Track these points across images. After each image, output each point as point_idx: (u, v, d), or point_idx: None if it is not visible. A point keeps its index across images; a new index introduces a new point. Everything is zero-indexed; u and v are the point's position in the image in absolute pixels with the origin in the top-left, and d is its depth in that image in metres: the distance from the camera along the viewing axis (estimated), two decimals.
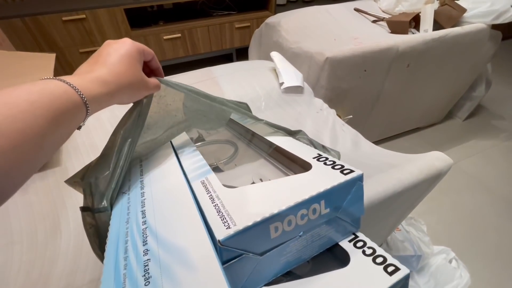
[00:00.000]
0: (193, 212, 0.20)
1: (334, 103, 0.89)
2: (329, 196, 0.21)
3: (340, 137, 0.59)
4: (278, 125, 0.37)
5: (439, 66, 0.98)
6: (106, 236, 0.20)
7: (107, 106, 0.24)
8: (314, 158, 0.25)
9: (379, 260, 0.20)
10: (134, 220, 0.20)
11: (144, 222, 0.20)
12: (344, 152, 0.54)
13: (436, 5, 0.97)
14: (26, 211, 0.43)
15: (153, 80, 0.29)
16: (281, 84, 0.71)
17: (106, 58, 0.25)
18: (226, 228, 0.17)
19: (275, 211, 0.18)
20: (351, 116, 0.90)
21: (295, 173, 0.29)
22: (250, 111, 0.42)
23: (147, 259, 0.17)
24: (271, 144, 0.36)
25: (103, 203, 0.22)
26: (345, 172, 0.22)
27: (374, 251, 0.21)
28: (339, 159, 0.28)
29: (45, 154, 0.19)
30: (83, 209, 0.23)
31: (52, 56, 0.67)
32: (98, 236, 0.23)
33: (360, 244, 0.23)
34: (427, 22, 0.96)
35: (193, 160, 0.30)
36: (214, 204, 0.20)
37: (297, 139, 0.34)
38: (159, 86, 0.30)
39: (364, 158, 0.51)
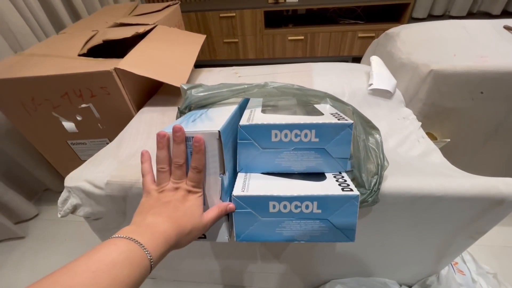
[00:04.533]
0: (230, 112, 0.33)
1: (431, 120, 0.82)
2: (319, 129, 0.29)
3: (408, 143, 0.59)
4: (362, 114, 0.44)
5: None
6: None
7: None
8: (331, 114, 0.33)
9: (343, 185, 0.27)
10: (199, 112, 0.36)
11: (205, 112, 0.35)
12: (404, 156, 0.55)
13: None
14: None
15: (209, 216, 0.29)
16: (370, 85, 0.74)
17: (173, 212, 0.27)
18: (247, 121, 0.30)
19: (277, 122, 0.29)
20: (448, 140, 0.81)
21: None
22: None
23: (197, 118, 0.31)
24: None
25: (186, 110, 0.39)
26: (339, 118, 0.30)
27: (344, 180, 0.28)
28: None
29: None
30: (178, 109, 0.41)
31: (203, 36, 0.96)
32: None
33: (339, 176, 0.30)
34: None
35: (254, 104, 0.43)
36: (250, 114, 0.33)
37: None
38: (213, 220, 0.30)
39: (420, 164, 0.50)
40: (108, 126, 0.80)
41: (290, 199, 0.27)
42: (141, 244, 0.23)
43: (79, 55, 0.80)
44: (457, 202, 0.41)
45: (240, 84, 0.38)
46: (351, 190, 0.26)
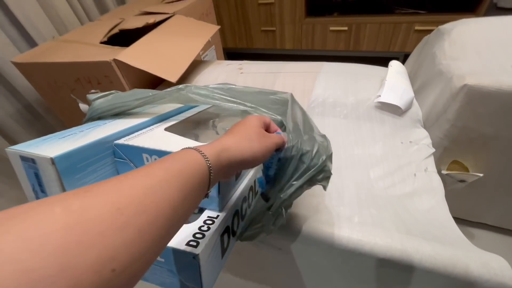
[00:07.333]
0: (124, 127, 0.32)
1: (462, 147, 0.66)
2: None
3: (397, 177, 0.48)
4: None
5: None
6: None
7: (220, 179, 0.23)
8: None
9: (193, 243, 0.23)
10: (92, 125, 0.34)
11: (99, 126, 0.33)
12: (377, 194, 0.45)
13: None
14: None
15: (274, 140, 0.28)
16: (377, 96, 0.62)
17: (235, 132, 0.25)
18: (125, 140, 0.28)
19: (147, 146, 0.26)
20: (480, 175, 0.64)
21: None
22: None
23: (78, 133, 0.31)
24: None
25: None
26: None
27: (207, 231, 0.24)
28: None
29: (174, 230, 0.18)
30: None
31: (216, 27, 0.93)
32: None
33: (209, 220, 0.26)
34: None
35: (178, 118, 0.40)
36: (147, 130, 0.31)
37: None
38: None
39: (393, 208, 0.41)
40: None
41: None
42: (201, 152, 0.21)
43: (101, 42, 0.87)
44: (406, 273, 0.32)
45: (153, 91, 0.35)
46: (193, 253, 0.22)
